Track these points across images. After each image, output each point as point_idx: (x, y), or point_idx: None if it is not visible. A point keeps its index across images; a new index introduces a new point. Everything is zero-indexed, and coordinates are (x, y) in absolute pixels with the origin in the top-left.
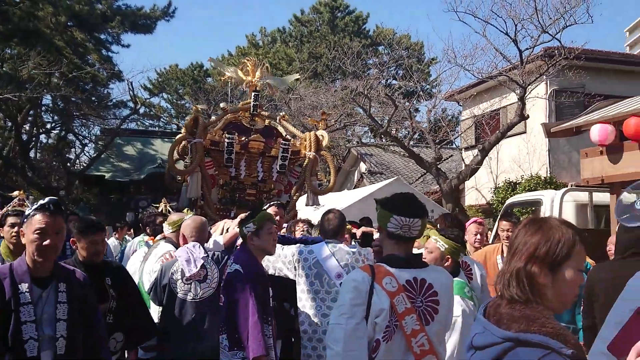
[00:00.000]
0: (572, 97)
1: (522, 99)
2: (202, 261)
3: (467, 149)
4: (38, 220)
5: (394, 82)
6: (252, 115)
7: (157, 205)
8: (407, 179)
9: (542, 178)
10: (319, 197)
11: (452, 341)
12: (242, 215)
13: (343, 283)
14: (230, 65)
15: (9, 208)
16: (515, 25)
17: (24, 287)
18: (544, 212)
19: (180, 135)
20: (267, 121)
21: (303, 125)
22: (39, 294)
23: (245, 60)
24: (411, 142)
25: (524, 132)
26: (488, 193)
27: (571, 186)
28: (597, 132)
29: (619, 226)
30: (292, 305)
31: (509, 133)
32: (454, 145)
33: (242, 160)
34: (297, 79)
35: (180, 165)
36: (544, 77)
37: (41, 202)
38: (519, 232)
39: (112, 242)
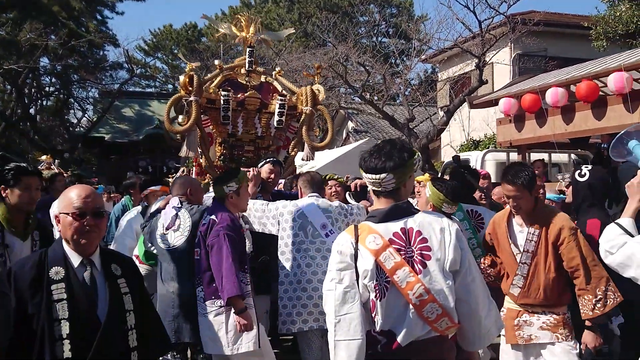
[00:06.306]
0: (531, 61)
1: (478, 66)
2: (174, 210)
3: (441, 108)
4: None
5: (384, 40)
6: (247, 72)
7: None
8: (390, 137)
9: None
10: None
11: None
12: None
13: (332, 248)
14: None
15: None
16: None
17: None
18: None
19: (176, 95)
20: (263, 77)
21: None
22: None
23: (239, 16)
24: (398, 102)
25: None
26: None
27: (490, 148)
28: (502, 105)
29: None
30: (272, 258)
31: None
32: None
33: (239, 117)
34: (292, 34)
35: (177, 125)
36: (508, 42)
37: None
38: None
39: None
